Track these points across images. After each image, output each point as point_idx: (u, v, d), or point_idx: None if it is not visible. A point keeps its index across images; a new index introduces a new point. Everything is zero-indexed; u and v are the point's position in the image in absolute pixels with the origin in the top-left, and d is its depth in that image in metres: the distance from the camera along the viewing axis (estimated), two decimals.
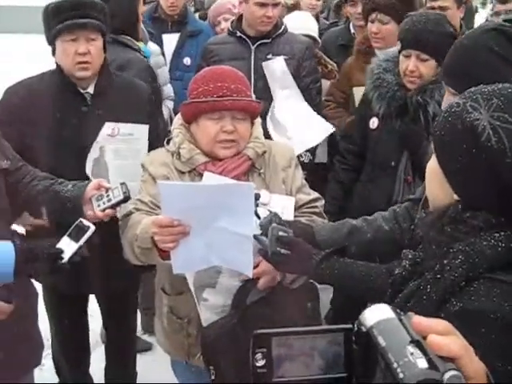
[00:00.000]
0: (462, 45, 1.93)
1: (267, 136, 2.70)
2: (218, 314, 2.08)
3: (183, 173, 2.17)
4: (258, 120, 2.29)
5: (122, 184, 2.28)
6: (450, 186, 1.27)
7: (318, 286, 2.13)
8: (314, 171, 3.32)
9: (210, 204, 1.84)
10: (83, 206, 2.29)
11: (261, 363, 0.75)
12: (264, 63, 3.33)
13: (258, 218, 1.90)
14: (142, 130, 2.65)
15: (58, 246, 2.01)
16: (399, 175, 2.75)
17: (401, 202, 2.24)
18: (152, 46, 3.74)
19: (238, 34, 3.41)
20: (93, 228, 2.07)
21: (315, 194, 2.31)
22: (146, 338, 3.85)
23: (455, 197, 1.26)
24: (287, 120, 3.24)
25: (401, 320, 0.72)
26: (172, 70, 4.10)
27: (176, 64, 4.16)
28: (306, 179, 2.37)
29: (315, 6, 4.69)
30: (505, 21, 3.52)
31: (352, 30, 4.05)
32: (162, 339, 2.39)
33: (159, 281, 2.37)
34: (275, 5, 3.34)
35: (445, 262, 1.19)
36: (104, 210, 2.26)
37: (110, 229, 2.25)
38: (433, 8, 3.41)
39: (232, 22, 3.55)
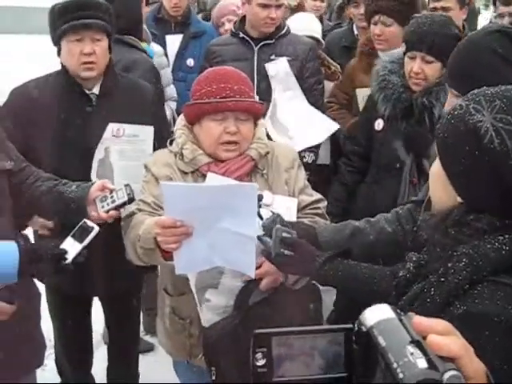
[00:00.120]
0: (465, 47, 1.93)
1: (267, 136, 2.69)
2: (219, 314, 2.08)
3: (186, 173, 2.17)
4: (261, 121, 2.30)
5: (126, 185, 2.28)
6: (453, 188, 1.27)
7: (321, 287, 2.13)
8: (317, 172, 3.32)
9: (213, 205, 1.85)
10: (87, 207, 2.29)
11: (261, 363, 0.75)
12: (266, 64, 3.33)
13: (261, 218, 1.90)
14: (147, 132, 2.65)
15: (62, 246, 2.02)
16: (405, 177, 2.74)
17: (403, 203, 2.23)
18: (155, 47, 3.74)
19: (241, 35, 3.40)
20: (97, 229, 2.07)
21: (318, 196, 2.31)
22: (148, 338, 3.85)
23: (458, 199, 1.27)
24: (289, 120, 3.23)
25: (401, 320, 0.72)
26: (175, 70, 4.10)
27: (179, 65, 4.17)
28: (308, 180, 2.37)
29: (319, 7, 4.69)
30: None
31: (355, 32, 4.04)
32: (164, 340, 2.39)
33: (161, 281, 2.38)
34: (278, 6, 3.33)
35: (449, 264, 1.19)
36: (108, 212, 2.25)
37: (114, 230, 2.25)
38: (435, 8, 3.41)
39: (235, 23, 3.55)
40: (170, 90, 3.86)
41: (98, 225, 2.10)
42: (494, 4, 4.54)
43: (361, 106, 3.33)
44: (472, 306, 1.12)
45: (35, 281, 2.33)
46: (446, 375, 0.67)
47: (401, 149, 2.77)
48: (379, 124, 2.87)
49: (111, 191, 2.28)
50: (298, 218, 2.14)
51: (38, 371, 2.47)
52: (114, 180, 2.52)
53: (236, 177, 2.10)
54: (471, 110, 1.21)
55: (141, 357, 3.22)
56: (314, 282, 2.04)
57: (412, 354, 0.68)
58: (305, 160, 3.24)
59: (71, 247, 2.02)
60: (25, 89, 2.65)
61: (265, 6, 3.31)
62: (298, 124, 3.24)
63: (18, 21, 17.19)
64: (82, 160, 2.57)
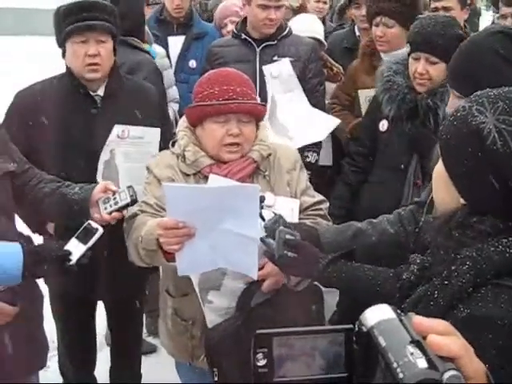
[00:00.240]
0: (467, 47, 1.93)
1: None
2: (222, 316, 2.08)
3: (188, 175, 2.17)
4: (263, 122, 2.30)
5: (129, 187, 2.28)
6: (456, 189, 1.27)
7: (324, 288, 2.13)
8: (319, 174, 3.32)
9: (215, 206, 1.85)
10: (90, 209, 2.29)
11: (262, 363, 0.75)
12: (264, 67, 3.32)
13: (263, 220, 1.90)
14: (153, 134, 2.65)
15: (66, 247, 2.02)
16: (409, 178, 2.74)
17: (406, 205, 2.23)
18: (157, 49, 3.75)
19: (243, 36, 3.40)
20: (101, 230, 2.08)
21: (320, 197, 2.31)
22: (150, 340, 3.86)
23: (462, 201, 1.26)
24: (289, 121, 3.22)
25: (401, 320, 0.73)
26: (177, 72, 4.10)
27: (181, 66, 4.17)
28: (310, 181, 2.37)
29: (322, 9, 4.69)
30: None
31: (357, 33, 4.04)
32: (166, 341, 2.39)
33: (163, 283, 2.38)
34: (278, 7, 3.32)
35: (452, 267, 1.19)
36: (111, 213, 2.26)
37: (116, 231, 2.25)
38: (436, 8, 3.41)
39: (237, 25, 3.54)
40: (172, 92, 3.86)
41: (102, 226, 2.11)
42: (495, 5, 4.55)
43: (363, 107, 3.33)
44: (476, 309, 1.12)
45: (38, 282, 2.34)
46: (446, 375, 0.67)
47: (405, 150, 2.77)
48: (384, 125, 2.87)
49: (114, 193, 2.29)
50: (299, 219, 2.14)
51: (41, 372, 2.47)
52: (119, 182, 2.52)
53: (238, 178, 2.10)
54: (474, 112, 1.20)
55: (143, 358, 3.22)
56: (316, 283, 2.04)
57: (412, 353, 0.68)
58: (308, 160, 3.24)
59: (75, 248, 2.02)
60: (30, 91, 2.65)
61: (264, 7, 3.30)
62: (298, 123, 3.23)
63: (19, 22, 17.25)
64: (87, 162, 2.57)
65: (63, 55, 2.61)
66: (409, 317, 0.73)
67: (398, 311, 0.74)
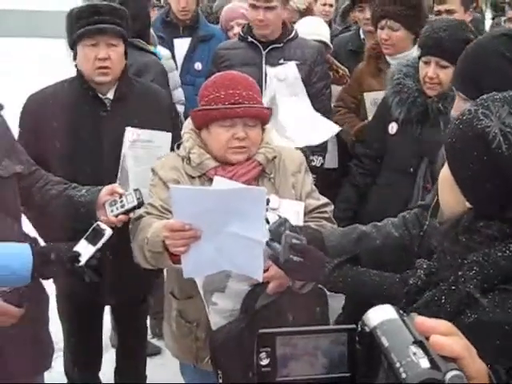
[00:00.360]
0: (472, 50, 1.93)
1: None
2: (226, 318, 2.08)
3: (193, 177, 2.17)
4: (269, 126, 2.30)
5: (136, 190, 2.28)
6: (462, 193, 1.26)
7: (329, 292, 2.13)
8: (324, 176, 3.32)
9: (221, 208, 1.85)
10: (96, 212, 2.30)
11: (265, 362, 0.76)
12: (269, 69, 3.31)
13: (268, 222, 1.90)
14: (163, 138, 2.63)
15: (76, 249, 2.03)
16: (418, 182, 2.73)
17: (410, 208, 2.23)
18: (162, 51, 3.76)
19: (250, 39, 3.39)
20: (110, 232, 2.08)
21: (325, 199, 2.31)
22: (155, 342, 3.86)
23: (467, 204, 1.26)
24: (289, 122, 3.20)
25: (404, 321, 0.73)
26: (183, 74, 4.10)
27: (187, 68, 4.16)
28: (315, 184, 2.37)
29: (328, 12, 4.70)
30: None
31: (362, 36, 4.04)
32: (171, 343, 2.39)
33: (168, 285, 2.38)
34: (268, 8, 3.27)
35: (459, 273, 1.19)
36: (117, 216, 2.26)
37: (122, 234, 2.25)
38: (439, 12, 3.42)
39: (243, 27, 3.54)
40: (178, 94, 3.87)
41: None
42: (495, 9, 4.57)
43: (368, 109, 3.33)
44: (483, 314, 1.11)
45: (44, 284, 2.34)
46: (449, 375, 0.67)
47: (415, 153, 2.76)
48: (393, 127, 2.86)
49: (121, 195, 2.29)
50: (304, 221, 2.14)
51: (45, 373, 2.48)
52: (129, 185, 2.52)
53: (244, 181, 2.10)
54: (479, 115, 1.20)
55: (148, 360, 3.23)
56: (320, 286, 2.03)
57: (415, 354, 0.68)
58: (313, 163, 3.23)
59: (84, 250, 2.03)
60: (42, 94, 2.66)
61: (254, 7, 3.29)
62: (298, 125, 3.21)
63: (20, 24, 17.31)
64: (95, 164, 2.57)
65: (74, 58, 2.62)
66: (411, 317, 0.73)
67: (401, 311, 0.74)
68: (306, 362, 0.76)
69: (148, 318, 3.34)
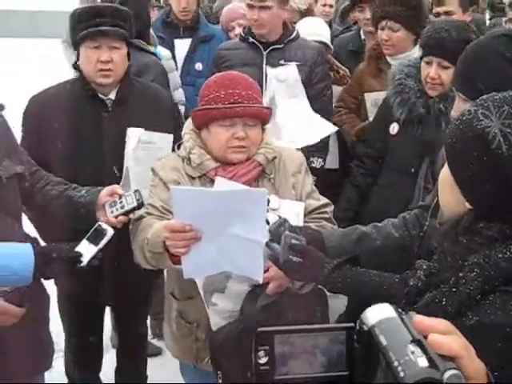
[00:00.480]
0: (472, 50, 1.93)
1: None
2: (226, 318, 2.08)
3: (193, 178, 2.17)
4: (269, 126, 2.30)
5: (136, 191, 2.28)
6: (462, 193, 1.26)
7: (329, 293, 2.13)
8: (325, 177, 3.32)
9: (222, 209, 1.84)
10: (96, 212, 2.30)
11: (263, 360, 0.76)
12: (270, 70, 3.31)
13: (267, 223, 1.90)
14: (165, 139, 2.62)
15: (77, 249, 2.03)
16: (419, 182, 2.73)
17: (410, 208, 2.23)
18: (162, 51, 3.76)
19: (250, 39, 3.39)
20: (111, 232, 2.08)
21: (325, 200, 2.31)
22: (155, 342, 3.86)
23: (467, 205, 1.26)
24: (286, 122, 3.19)
25: (402, 319, 0.73)
26: (183, 75, 4.10)
27: (187, 69, 4.17)
28: (315, 185, 2.37)
29: (328, 12, 4.70)
30: None
31: (362, 36, 4.04)
32: (171, 343, 2.39)
33: (168, 285, 2.38)
34: (262, 7, 3.27)
35: (460, 274, 1.19)
36: (117, 217, 2.26)
37: (123, 234, 2.25)
38: (438, 13, 3.41)
39: (244, 28, 3.54)
40: (178, 94, 3.87)
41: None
42: (492, 10, 4.57)
43: (369, 110, 3.33)
44: (484, 316, 1.11)
45: (45, 284, 2.34)
46: (447, 374, 0.67)
47: (416, 154, 2.76)
48: (394, 128, 2.86)
49: (120, 196, 2.29)
50: (304, 222, 2.14)
51: (46, 373, 2.48)
52: (131, 186, 2.51)
53: (244, 182, 2.11)
54: (479, 116, 1.20)
55: (148, 360, 3.23)
56: (320, 286, 2.03)
57: (413, 352, 0.68)
58: (313, 165, 3.23)
59: (86, 250, 2.03)
60: (44, 95, 2.67)
61: (249, 7, 3.30)
62: (296, 127, 3.20)
63: (21, 24, 17.35)
64: (96, 165, 2.58)
65: (77, 58, 2.62)
66: (410, 316, 0.73)
67: (399, 310, 0.74)
68: (304, 360, 0.76)
69: (148, 318, 3.34)
